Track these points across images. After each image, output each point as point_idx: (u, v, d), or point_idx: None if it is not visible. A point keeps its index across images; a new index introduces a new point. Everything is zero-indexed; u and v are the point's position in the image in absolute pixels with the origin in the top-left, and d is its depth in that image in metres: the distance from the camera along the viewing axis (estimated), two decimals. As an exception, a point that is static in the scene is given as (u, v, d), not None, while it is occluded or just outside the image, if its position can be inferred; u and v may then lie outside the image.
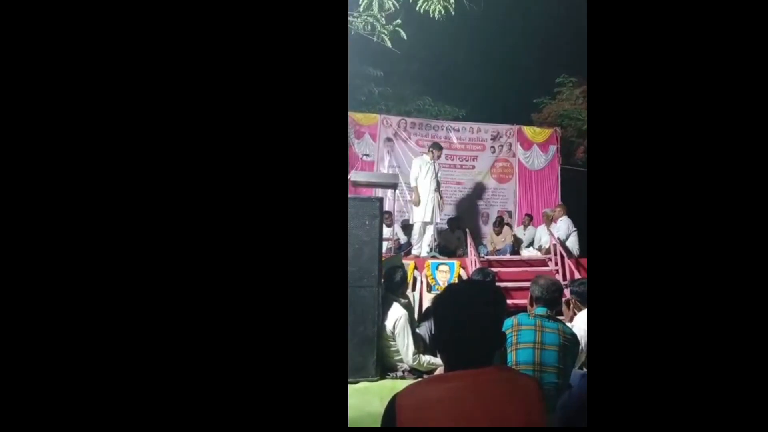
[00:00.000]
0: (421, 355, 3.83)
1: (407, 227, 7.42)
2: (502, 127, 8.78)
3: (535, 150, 8.72)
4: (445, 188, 7.73)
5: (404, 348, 3.82)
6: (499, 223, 7.62)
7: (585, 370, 1.91)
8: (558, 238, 6.61)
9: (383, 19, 5.78)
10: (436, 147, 6.74)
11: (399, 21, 5.85)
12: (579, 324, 3.00)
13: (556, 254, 6.29)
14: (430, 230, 6.61)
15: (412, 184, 6.65)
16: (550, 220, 7.47)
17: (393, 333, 3.83)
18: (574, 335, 2.55)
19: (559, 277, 5.84)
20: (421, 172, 6.53)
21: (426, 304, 5.29)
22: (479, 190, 8.59)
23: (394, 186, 6.80)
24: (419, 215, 6.57)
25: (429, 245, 6.59)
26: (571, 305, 3.37)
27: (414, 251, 6.61)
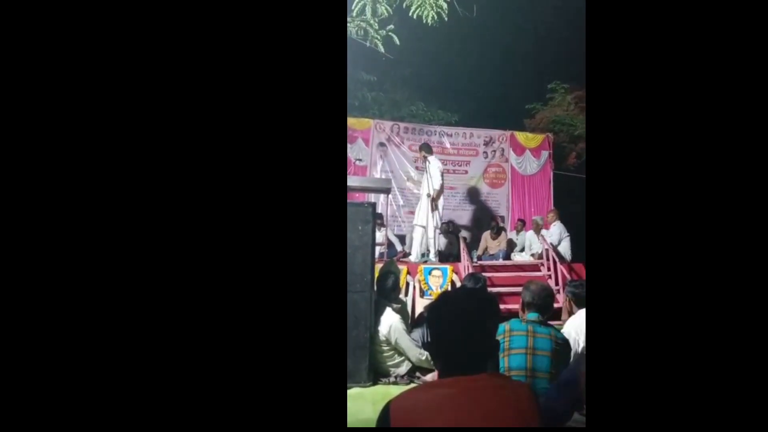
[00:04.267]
0: (427, 352, 3.81)
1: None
2: (495, 133, 8.82)
3: (527, 155, 8.76)
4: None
5: (407, 348, 3.81)
6: (497, 230, 7.64)
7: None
8: (550, 243, 6.64)
9: (376, 24, 5.79)
10: (423, 148, 6.77)
11: (392, 26, 5.86)
12: (571, 327, 3.01)
13: (548, 259, 6.32)
14: (420, 234, 6.61)
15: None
16: (539, 228, 7.49)
17: (387, 338, 3.82)
18: (566, 340, 2.56)
19: (551, 282, 5.86)
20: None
21: (419, 309, 5.28)
22: (472, 195, 8.62)
23: (386, 191, 6.80)
24: (416, 218, 6.59)
25: (421, 250, 6.60)
26: (565, 306, 3.37)
27: (412, 257, 6.61)
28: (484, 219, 8.38)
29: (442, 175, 6.55)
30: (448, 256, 7.24)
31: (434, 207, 6.52)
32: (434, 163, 6.59)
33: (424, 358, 3.77)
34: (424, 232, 6.57)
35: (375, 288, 3.95)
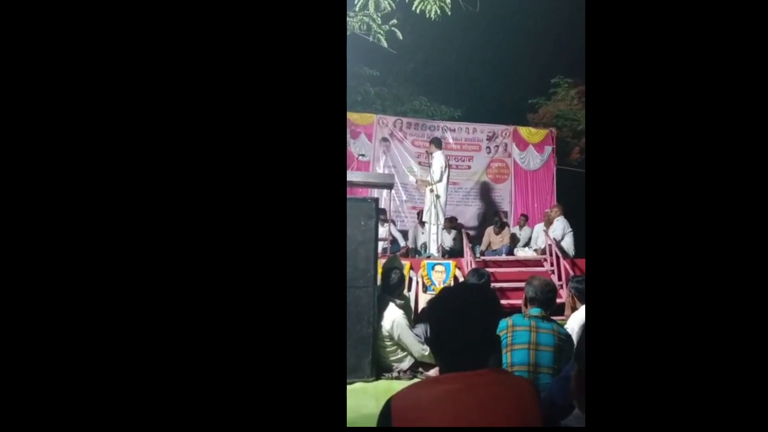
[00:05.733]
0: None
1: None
2: (498, 128, 8.80)
3: (530, 150, 8.74)
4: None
5: (410, 344, 3.82)
6: (500, 225, 7.63)
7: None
8: (554, 239, 6.63)
9: (379, 18, 5.77)
10: (433, 142, 6.76)
11: (395, 21, 5.85)
12: (574, 322, 3.00)
13: (551, 255, 6.31)
14: (420, 230, 6.62)
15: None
16: (551, 221, 7.48)
17: (390, 333, 3.83)
18: (568, 336, 2.56)
19: (554, 277, 5.86)
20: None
21: (422, 304, 5.29)
22: (475, 190, 8.61)
23: (389, 186, 6.81)
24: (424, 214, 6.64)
25: (421, 246, 6.61)
26: (568, 301, 3.37)
27: (433, 251, 6.62)
28: (487, 214, 8.37)
29: (442, 173, 6.53)
30: (450, 251, 7.24)
31: (436, 202, 6.52)
32: (437, 159, 6.57)
33: (426, 353, 3.78)
34: (429, 227, 6.58)
35: (379, 284, 3.96)
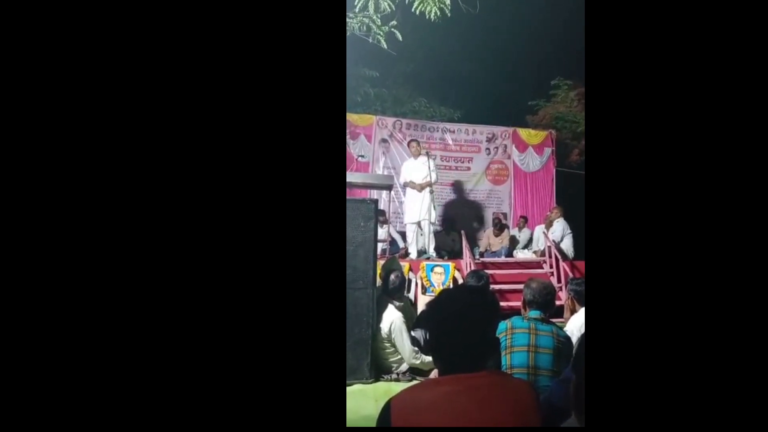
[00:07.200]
0: (422, 355, 3.83)
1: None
2: (498, 129, 8.79)
3: (530, 152, 8.73)
4: (440, 189, 7.73)
5: (403, 348, 3.81)
6: (500, 226, 7.62)
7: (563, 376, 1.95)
8: (553, 241, 6.63)
9: (379, 20, 5.77)
10: (416, 143, 6.89)
11: (395, 22, 5.84)
12: (573, 325, 3.00)
13: (551, 256, 6.31)
14: (415, 229, 6.61)
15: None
16: (550, 223, 7.48)
17: (388, 335, 3.82)
18: (568, 338, 2.55)
19: (553, 279, 5.85)
20: (413, 172, 6.66)
21: (420, 306, 5.28)
22: (474, 191, 8.60)
23: (389, 187, 6.80)
24: (411, 216, 6.60)
25: (419, 247, 6.60)
26: (568, 304, 3.36)
27: (411, 254, 6.62)
28: (487, 216, 8.36)
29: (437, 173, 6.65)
30: (450, 252, 7.23)
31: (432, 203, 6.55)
32: (431, 160, 6.65)
33: (418, 362, 3.77)
34: (416, 228, 6.58)
35: (379, 285, 3.95)
